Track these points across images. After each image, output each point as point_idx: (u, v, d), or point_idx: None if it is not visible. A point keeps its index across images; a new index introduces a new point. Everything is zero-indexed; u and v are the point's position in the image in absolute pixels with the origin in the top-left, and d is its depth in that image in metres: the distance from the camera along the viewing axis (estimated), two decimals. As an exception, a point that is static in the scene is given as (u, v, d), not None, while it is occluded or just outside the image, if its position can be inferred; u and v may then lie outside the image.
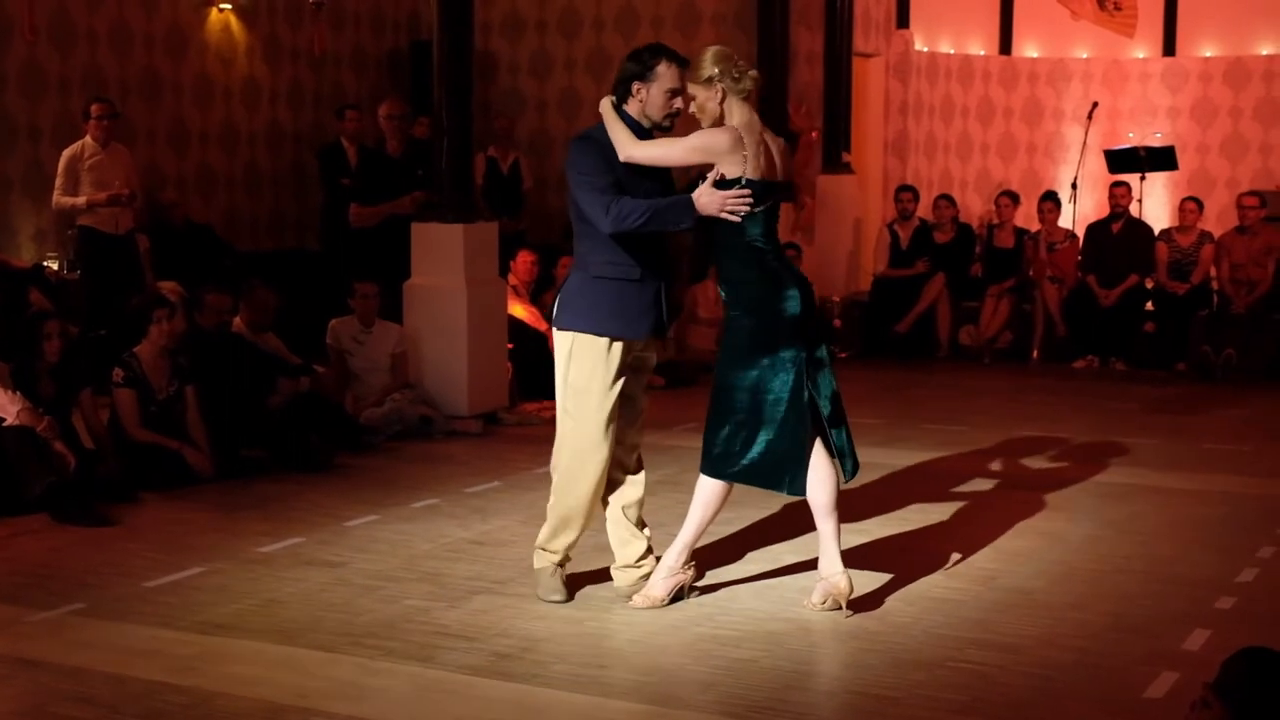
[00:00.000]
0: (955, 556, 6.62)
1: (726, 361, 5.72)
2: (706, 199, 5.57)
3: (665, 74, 5.71)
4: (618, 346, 5.74)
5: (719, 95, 5.64)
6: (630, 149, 5.64)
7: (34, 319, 8.04)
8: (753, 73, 5.68)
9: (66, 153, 10.86)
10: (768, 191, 5.65)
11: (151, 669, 5.11)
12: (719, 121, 5.67)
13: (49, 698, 4.87)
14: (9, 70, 11.39)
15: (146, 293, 10.14)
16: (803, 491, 5.68)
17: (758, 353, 5.64)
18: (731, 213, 5.57)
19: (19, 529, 7.03)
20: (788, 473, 5.65)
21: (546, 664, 5.20)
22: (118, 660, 5.20)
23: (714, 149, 5.59)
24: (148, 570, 6.33)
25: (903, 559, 6.56)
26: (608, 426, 5.74)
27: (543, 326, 10.54)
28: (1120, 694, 5.01)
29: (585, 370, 5.74)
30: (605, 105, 5.79)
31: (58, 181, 10.83)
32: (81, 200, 10.78)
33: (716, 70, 5.61)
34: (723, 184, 5.59)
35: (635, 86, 5.74)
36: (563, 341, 5.82)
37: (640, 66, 5.74)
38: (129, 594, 6.00)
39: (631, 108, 5.76)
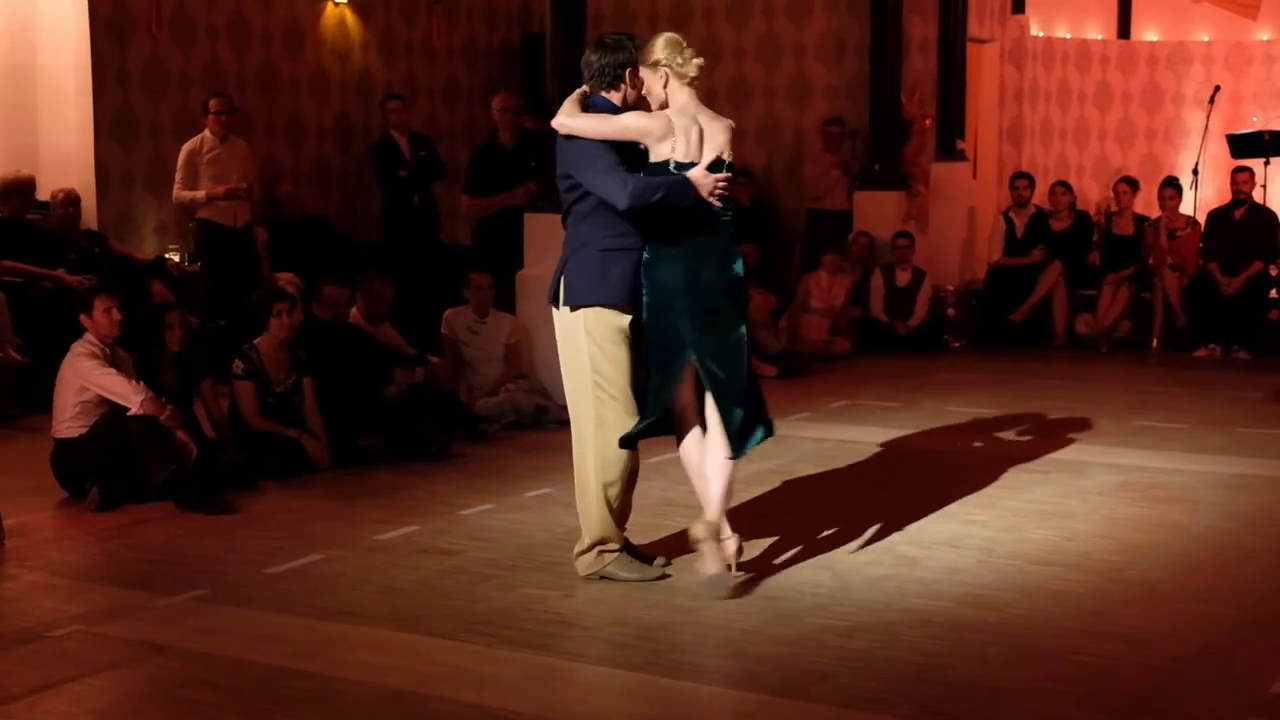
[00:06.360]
0: (1072, 547, 6.53)
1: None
2: (700, 180, 5.74)
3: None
4: (626, 317, 5.86)
5: (664, 80, 5.83)
6: (565, 118, 5.80)
7: (156, 310, 8.18)
8: (697, 60, 5.85)
9: (186, 147, 11.05)
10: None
11: (274, 654, 5.18)
12: (664, 104, 5.86)
13: (175, 681, 4.97)
14: (133, 67, 11.62)
15: (266, 286, 10.31)
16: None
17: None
18: (719, 197, 5.78)
19: (143, 516, 7.17)
20: None
21: (662, 653, 5.20)
22: (240, 645, 5.28)
23: (648, 131, 5.80)
24: (268, 557, 6.42)
25: (1021, 550, 6.48)
26: (634, 395, 5.86)
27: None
28: (1247, 689, 4.91)
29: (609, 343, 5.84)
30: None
31: (178, 175, 11.04)
32: (201, 194, 10.97)
33: (663, 56, 5.81)
34: (653, 166, 5.78)
35: (628, 73, 5.90)
36: (573, 322, 5.86)
37: (627, 55, 5.89)
38: (250, 580, 6.09)
39: (614, 95, 5.90)
